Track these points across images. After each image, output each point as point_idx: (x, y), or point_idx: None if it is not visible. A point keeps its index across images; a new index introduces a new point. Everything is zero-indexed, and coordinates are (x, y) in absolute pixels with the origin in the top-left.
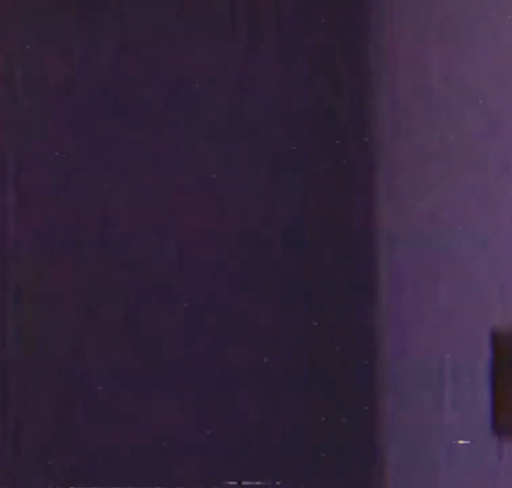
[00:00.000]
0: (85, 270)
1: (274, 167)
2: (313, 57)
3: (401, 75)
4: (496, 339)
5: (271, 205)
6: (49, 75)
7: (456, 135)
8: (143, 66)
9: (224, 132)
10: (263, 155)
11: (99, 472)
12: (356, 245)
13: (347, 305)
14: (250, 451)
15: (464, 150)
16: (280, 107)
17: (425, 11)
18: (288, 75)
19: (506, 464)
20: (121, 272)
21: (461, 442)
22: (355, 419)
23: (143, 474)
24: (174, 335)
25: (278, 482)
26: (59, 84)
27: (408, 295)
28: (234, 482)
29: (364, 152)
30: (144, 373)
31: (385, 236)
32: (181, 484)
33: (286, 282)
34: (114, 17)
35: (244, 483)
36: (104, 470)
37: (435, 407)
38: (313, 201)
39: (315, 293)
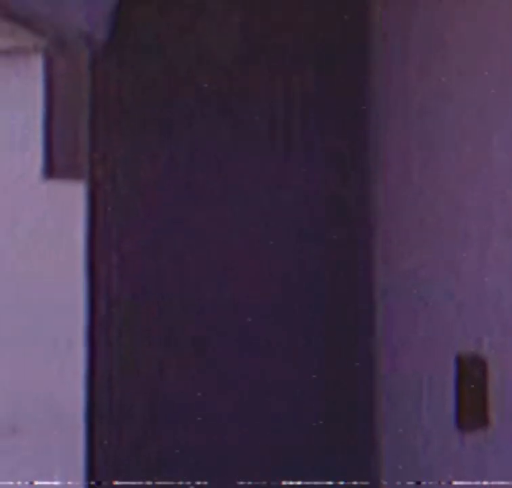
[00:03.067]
0: (167, 311)
1: (300, 237)
2: (328, 159)
3: (392, 172)
4: (460, 362)
5: (298, 264)
6: (141, 174)
7: (429, 215)
8: (207, 168)
9: (265, 213)
10: (293, 229)
11: (176, 461)
12: (360, 294)
13: (353, 336)
14: (281, 442)
15: (436, 227)
16: (305, 195)
17: (409, 126)
18: (310, 171)
19: (466, 450)
20: (193, 312)
21: (434, 434)
22: (358, 417)
23: (208, 463)
24: (231, 360)
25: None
26: (148, 180)
27: (396, 329)
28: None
29: (365, 228)
30: (207, 386)
31: (379, 288)
32: (235, 472)
33: (309, 319)
34: (185, 134)
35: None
36: (179, 459)
37: (415, 409)
38: (329, 261)
39: (330, 326)
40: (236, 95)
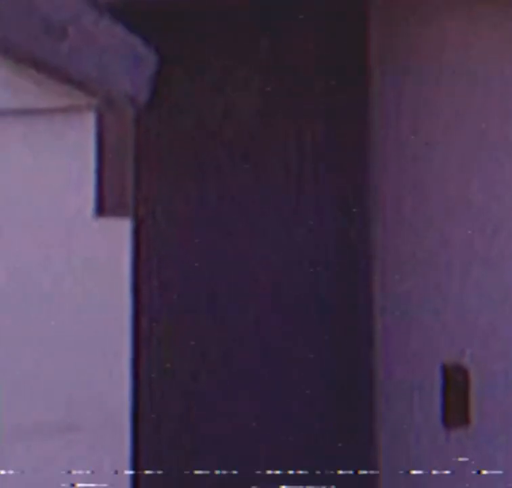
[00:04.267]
0: (199, 326)
1: (312, 265)
2: (335, 201)
3: (388, 211)
4: (445, 370)
5: (310, 288)
6: (177, 212)
7: (419, 247)
8: (232, 207)
9: (282, 245)
10: (305, 258)
11: (208, 452)
12: (361, 312)
13: (356, 348)
14: (295, 436)
15: (425, 257)
16: (315, 230)
17: (402, 173)
18: (319, 211)
19: (450, 444)
20: (221, 327)
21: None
22: (360, 416)
23: (235, 453)
24: (252, 367)
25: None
26: (183, 217)
27: (392, 342)
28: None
29: (366, 258)
30: (232, 389)
31: (378, 307)
32: (257, 460)
33: (319, 334)
34: (214, 178)
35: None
36: (211, 450)
37: (408, 409)
38: (335, 285)
39: (337, 340)
40: (256, 146)
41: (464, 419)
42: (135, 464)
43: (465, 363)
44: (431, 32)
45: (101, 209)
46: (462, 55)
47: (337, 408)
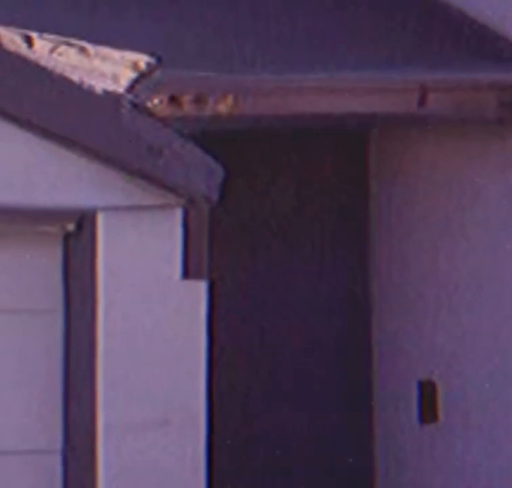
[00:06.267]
0: (252, 353)
1: (328, 312)
2: (346, 268)
3: (382, 276)
4: (420, 384)
5: (327, 326)
6: (238, 278)
7: (403, 300)
8: (276, 273)
9: (308, 299)
10: (324, 307)
11: (261, 441)
12: (363, 344)
13: (359, 369)
14: (317, 432)
15: (407, 307)
16: (332, 288)
17: (391, 251)
18: (336, 274)
19: (424, 435)
20: (268, 353)
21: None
22: (363, 416)
23: (280, 445)
24: (286, 380)
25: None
26: (243, 281)
27: (385, 365)
28: None
29: (367, 306)
30: (275, 398)
31: (376, 341)
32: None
33: (333, 358)
34: (262, 253)
35: None
36: (263, 439)
37: (396, 411)
38: (344, 327)
39: (346, 363)
40: (292, 231)
41: (434, 418)
42: (209, 452)
43: (434, 379)
44: (411, 153)
45: (186, 273)
46: (433, 168)
47: (348, 410)
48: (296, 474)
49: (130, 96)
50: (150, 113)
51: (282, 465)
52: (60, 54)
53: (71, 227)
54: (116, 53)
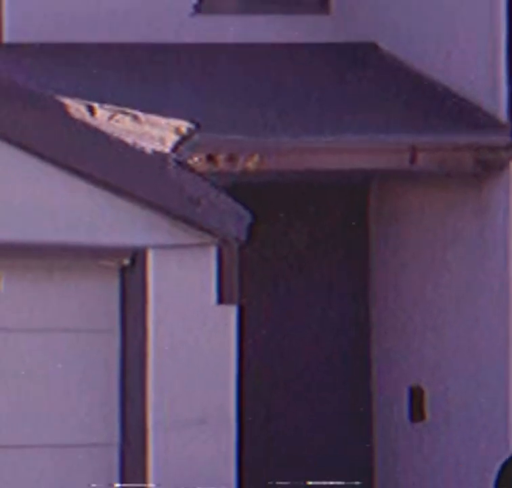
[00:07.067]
0: (274, 368)
1: (335, 340)
2: (351, 298)
3: (379, 304)
4: (411, 389)
5: (337, 351)
6: (262, 302)
7: (397, 324)
8: (293, 300)
9: (318, 329)
10: (331, 335)
11: (281, 435)
12: (365, 358)
13: (362, 380)
14: (326, 431)
15: (399, 329)
16: (340, 317)
17: (388, 282)
18: (342, 304)
19: (414, 431)
20: (288, 369)
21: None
22: (364, 416)
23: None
24: (301, 391)
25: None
26: (266, 305)
27: (382, 375)
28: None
29: (368, 329)
30: (294, 404)
31: (375, 356)
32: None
33: (339, 370)
34: (281, 285)
35: None
36: (284, 433)
37: (390, 412)
38: (351, 346)
39: (350, 380)
40: (306, 266)
41: (422, 417)
42: (239, 446)
43: (422, 386)
44: (403, 201)
45: (220, 299)
46: (421, 214)
47: (351, 411)
48: (310, 462)
49: (174, 155)
50: (190, 169)
51: (298, 456)
52: (117, 121)
53: (126, 262)
54: (162, 120)
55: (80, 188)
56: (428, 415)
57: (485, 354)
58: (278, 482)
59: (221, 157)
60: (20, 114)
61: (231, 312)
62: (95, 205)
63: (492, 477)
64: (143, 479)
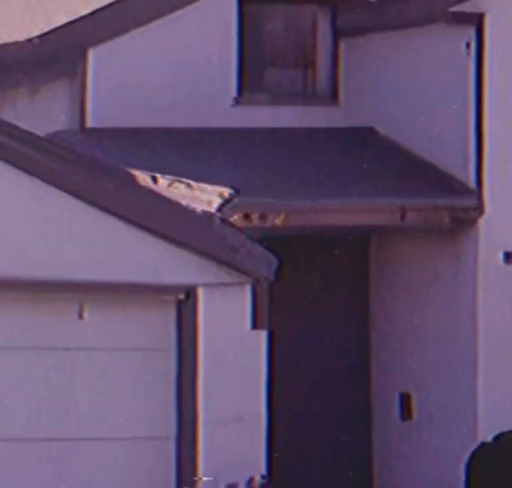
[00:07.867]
0: (288, 369)
1: (341, 343)
2: (355, 313)
3: (377, 317)
4: (401, 395)
5: (340, 365)
6: (285, 326)
7: (392, 335)
8: (310, 321)
9: (329, 334)
10: (338, 343)
11: (299, 439)
12: (364, 365)
13: (363, 385)
14: (332, 425)
15: (394, 341)
16: (345, 326)
17: (386, 304)
18: (348, 318)
19: (404, 428)
20: (298, 373)
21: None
22: (365, 416)
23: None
24: (309, 400)
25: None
26: (286, 328)
27: (380, 381)
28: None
29: (367, 338)
30: (308, 405)
31: (375, 363)
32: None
33: (342, 374)
34: (299, 309)
35: None
36: (302, 436)
37: (385, 413)
38: (354, 354)
39: (354, 378)
40: (320, 295)
41: (410, 417)
42: (268, 439)
43: (410, 392)
44: (396, 250)
45: (254, 326)
46: (409, 259)
47: (355, 412)
48: (321, 453)
49: (219, 214)
50: (231, 225)
51: (311, 448)
52: (174, 188)
53: (182, 296)
54: (209, 187)
55: (147, 240)
56: (415, 415)
57: (459, 368)
58: (296, 467)
59: (254, 216)
60: (101, 183)
61: (262, 335)
62: (158, 253)
63: (464, 461)
64: (194, 466)
